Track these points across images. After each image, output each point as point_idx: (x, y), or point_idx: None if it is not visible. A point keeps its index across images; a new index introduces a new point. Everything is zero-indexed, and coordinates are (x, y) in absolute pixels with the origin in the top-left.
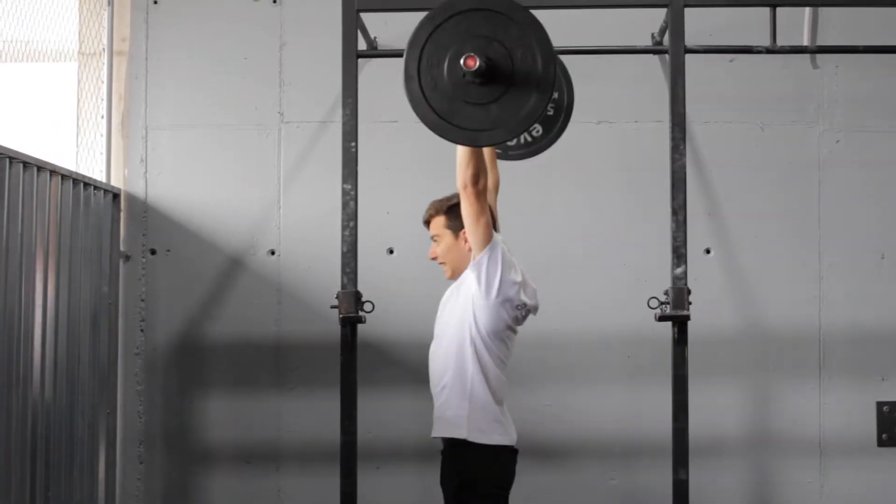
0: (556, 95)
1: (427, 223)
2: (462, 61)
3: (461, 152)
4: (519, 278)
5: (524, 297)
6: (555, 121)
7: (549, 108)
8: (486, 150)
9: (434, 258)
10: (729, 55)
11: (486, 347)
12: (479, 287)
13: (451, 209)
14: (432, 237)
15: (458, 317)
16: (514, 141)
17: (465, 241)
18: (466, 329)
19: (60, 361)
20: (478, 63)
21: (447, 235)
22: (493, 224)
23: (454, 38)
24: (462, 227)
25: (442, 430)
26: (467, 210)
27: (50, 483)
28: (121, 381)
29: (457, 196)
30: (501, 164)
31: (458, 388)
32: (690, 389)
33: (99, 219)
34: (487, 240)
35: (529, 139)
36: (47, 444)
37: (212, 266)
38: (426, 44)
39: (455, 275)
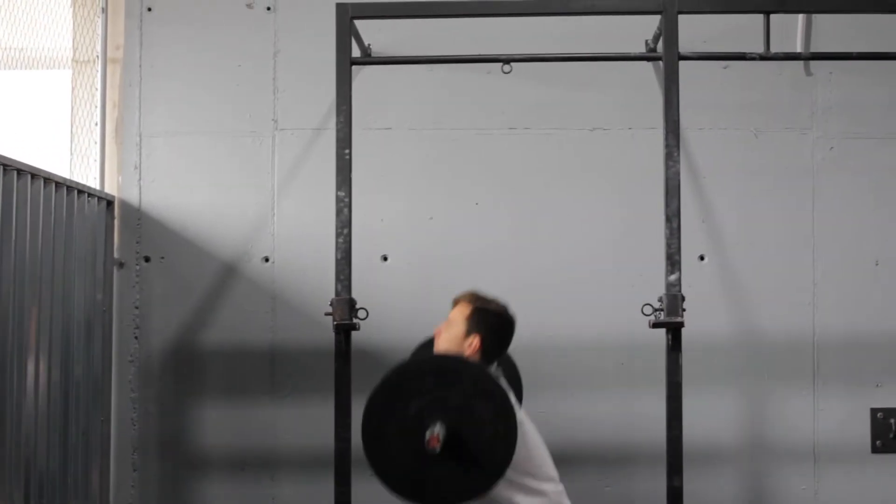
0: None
1: (455, 305)
2: (426, 439)
3: None
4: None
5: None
6: None
7: None
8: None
9: (437, 332)
10: (723, 62)
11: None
12: None
13: (480, 311)
14: (450, 320)
15: None
16: None
17: (469, 347)
18: None
19: (54, 369)
20: (439, 446)
21: (460, 327)
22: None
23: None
24: (474, 333)
25: None
26: None
27: (44, 490)
28: (115, 389)
29: (494, 304)
30: (493, 174)
31: None
32: (684, 396)
33: (93, 226)
34: None
35: None
36: (40, 451)
37: (206, 273)
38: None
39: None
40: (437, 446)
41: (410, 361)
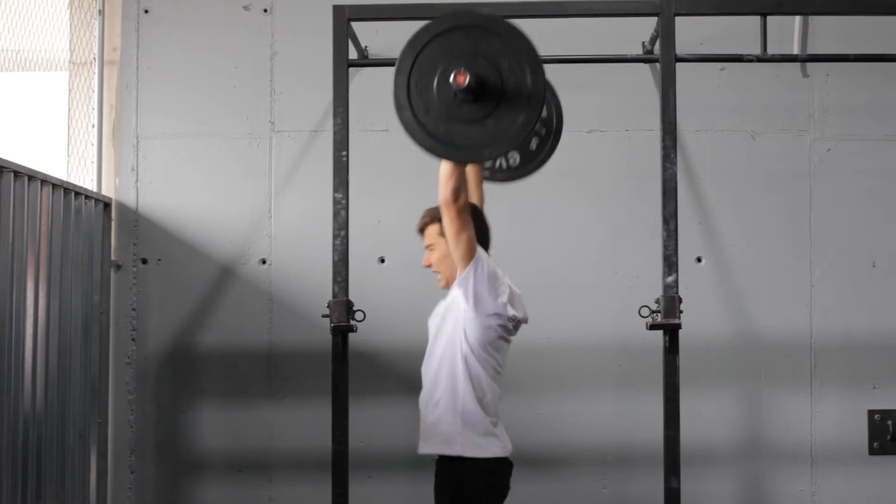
0: (544, 114)
1: (421, 231)
2: (452, 79)
3: (443, 169)
4: (506, 292)
5: (512, 311)
6: (544, 141)
7: (539, 125)
8: (470, 169)
9: (428, 266)
10: (720, 64)
11: (478, 361)
12: (466, 303)
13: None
14: (427, 246)
15: (449, 333)
16: (500, 162)
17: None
18: (458, 345)
19: (51, 370)
20: (468, 79)
21: (441, 244)
22: (485, 240)
23: (439, 60)
24: None
25: (435, 446)
26: (449, 226)
27: (41, 492)
28: (112, 391)
29: None
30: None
31: (450, 404)
32: (682, 398)
33: (90, 228)
34: (471, 256)
35: (513, 163)
36: (38, 453)
37: (203, 275)
38: (412, 69)
39: (449, 283)
40: (465, 82)
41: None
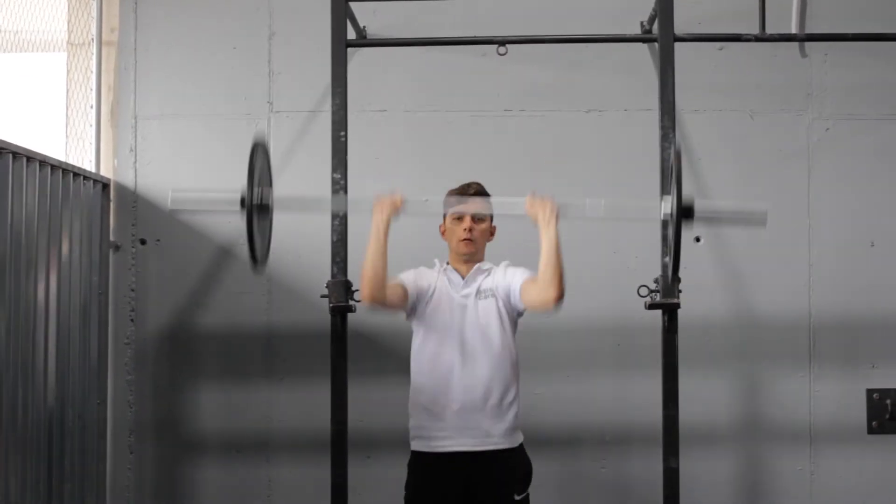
0: None
1: (473, 197)
2: None
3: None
4: None
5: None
6: None
7: None
8: None
9: (469, 232)
10: (718, 43)
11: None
12: (519, 311)
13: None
14: (476, 214)
15: (501, 331)
16: None
17: (490, 234)
18: (511, 342)
19: (51, 351)
20: None
21: (488, 220)
22: None
23: None
24: (491, 222)
25: (513, 439)
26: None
27: (40, 473)
28: (111, 371)
29: None
30: (489, 156)
31: (515, 394)
32: (680, 377)
33: (88, 209)
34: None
35: None
36: (38, 434)
37: (201, 256)
38: None
39: (472, 260)
40: None
41: None
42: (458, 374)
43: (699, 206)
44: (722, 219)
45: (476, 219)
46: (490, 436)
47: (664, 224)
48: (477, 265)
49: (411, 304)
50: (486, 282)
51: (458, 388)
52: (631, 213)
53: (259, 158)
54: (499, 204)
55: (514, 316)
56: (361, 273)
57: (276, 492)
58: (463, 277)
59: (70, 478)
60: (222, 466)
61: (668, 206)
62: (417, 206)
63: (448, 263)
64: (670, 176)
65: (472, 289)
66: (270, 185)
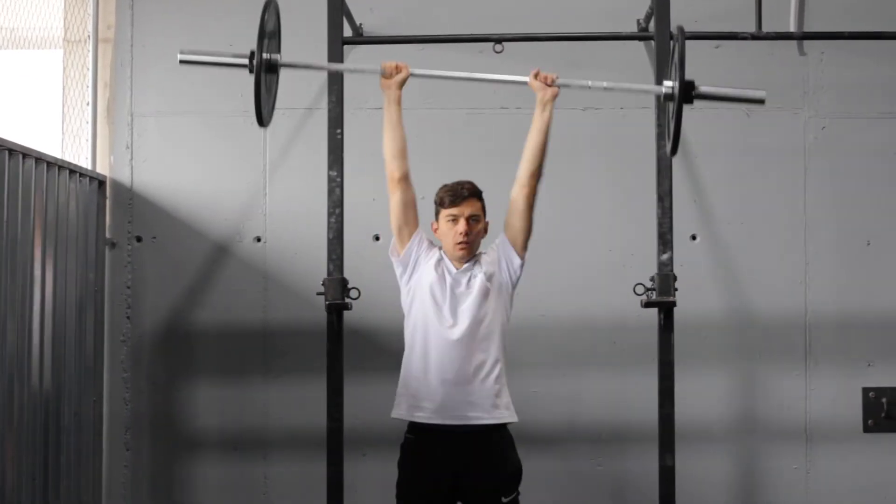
0: None
1: (467, 199)
2: None
3: (539, 151)
4: None
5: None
6: None
7: None
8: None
9: (466, 236)
10: (715, 41)
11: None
12: (511, 278)
13: (482, 195)
14: (471, 216)
15: (493, 306)
16: None
17: (484, 232)
18: (501, 318)
19: (46, 349)
20: None
21: (482, 220)
22: None
23: None
24: (485, 219)
25: (500, 415)
26: (530, 201)
27: (36, 470)
28: (107, 369)
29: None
30: (491, 151)
31: (502, 372)
32: (676, 375)
33: (84, 206)
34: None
35: None
36: (34, 431)
37: (198, 253)
38: None
39: (467, 257)
40: None
41: None
42: (446, 352)
43: (700, 86)
44: (722, 98)
45: (472, 220)
46: (475, 409)
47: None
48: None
49: (411, 244)
50: (477, 267)
51: (447, 365)
52: (633, 89)
53: (270, 18)
54: (504, 79)
55: (511, 283)
56: (384, 147)
57: (272, 489)
58: (457, 269)
59: (66, 475)
60: (219, 463)
61: (669, 84)
62: (423, 74)
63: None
64: (672, 54)
65: (465, 275)
66: (279, 45)
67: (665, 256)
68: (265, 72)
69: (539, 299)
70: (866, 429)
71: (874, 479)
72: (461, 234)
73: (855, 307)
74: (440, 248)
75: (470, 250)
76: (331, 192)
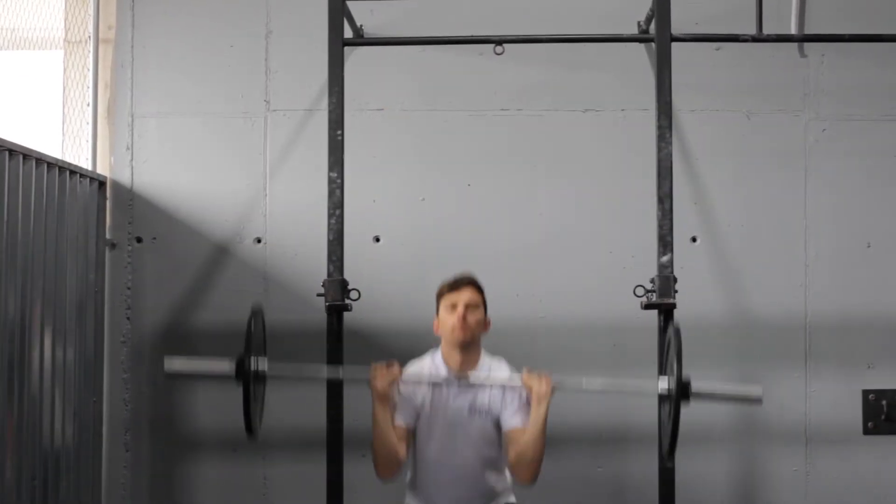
0: None
1: (467, 286)
2: None
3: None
4: None
5: None
6: None
7: None
8: None
9: (464, 323)
10: (715, 43)
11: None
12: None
13: (483, 290)
14: (470, 304)
15: (494, 448)
16: None
17: (486, 325)
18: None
19: (46, 349)
20: None
21: (481, 311)
22: None
23: None
24: (486, 313)
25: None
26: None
27: (36, 471)
28: (107, 369)
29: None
30: (492, 153)
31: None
32: None
33: (85, 207)
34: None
35: None
36: (33, 431)
37: (198, 254)
38: None
39: (467, 351)
40: None
41: None
42: (451, 486)
43: (696, 386)
44: (719, 397)
45: (470, 308)
46: None
47: (661, 399)
48: (472, 367)
49: (402, 407)
50: (482, 397)
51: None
52: (628, 389)
53: (256, 326)
54: (496, 378)
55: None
56: (373, 453)
57: (271, 490)
58: (455, 371)
59: (66, 475)
60: (218, 464)
61: (665, 383)
62: (414, 376)
63: (440, 355)
64: (666, 354)
65: (465, 401)
66: (265, 351)
67: (665, 258)
68: (253, 381)
69: (539, 301)
70: (866, 431)
71: (874, 482)
72: (459, 317)
73: (855, 309)
74: (426, 358)
75: (468, 335)
76: (331, 193)
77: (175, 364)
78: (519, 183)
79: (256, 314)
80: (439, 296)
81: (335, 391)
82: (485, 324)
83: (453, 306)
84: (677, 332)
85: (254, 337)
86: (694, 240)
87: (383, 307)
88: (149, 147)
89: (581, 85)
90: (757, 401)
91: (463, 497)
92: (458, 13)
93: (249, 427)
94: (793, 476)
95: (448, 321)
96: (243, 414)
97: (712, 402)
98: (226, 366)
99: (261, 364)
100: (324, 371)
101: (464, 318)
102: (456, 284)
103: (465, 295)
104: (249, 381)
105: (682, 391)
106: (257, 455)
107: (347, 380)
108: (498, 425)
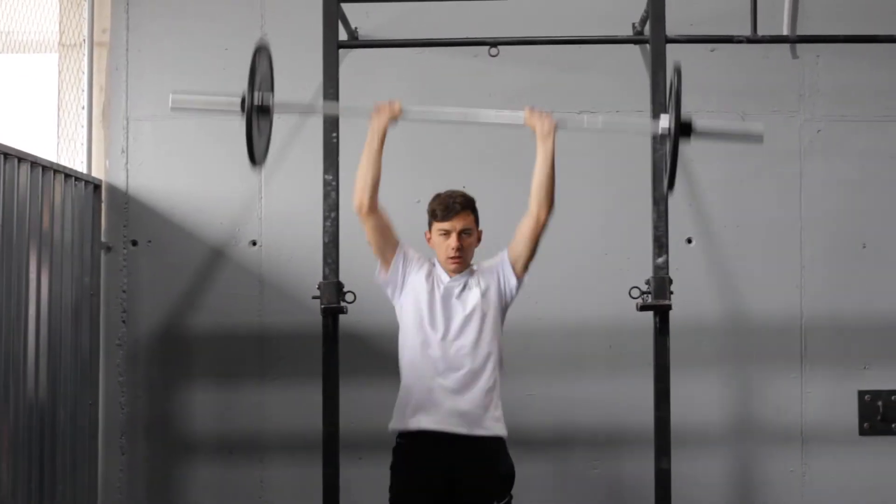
0: None
1: (459, 213)
2: None
3: (549, 189)
4: None
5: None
6: None
7: None
8: None
9: (458, 251)
10: (710, 45)
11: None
12: (509, 297)
13: (475, 206)
14: (463, 230)
15: (493, 321)
16: None
17: (478, 241)
18: (498, 333)
19: (42, 353)
20: None
21: (475, 233)
22: None
23: None
24: (478, 229)
25: (490, 427)
26: (540, 231)
27: (32, 474)
28: (103, 372)
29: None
30: (486, 155)
31: (496, 385)
32: (672, 378)
33: (80, 210)
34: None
35: None
36: (29, 435)
37: (193, 257)
38: None
39: (460, 270)
40: None
41: None
42: (439, 359)
43: (697, 122)
44: (719, 135)
45: (464, 234)
46: (469, 422)
47: (661, 139)
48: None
49: (395, 264)
50: (472, 279)
51: (440, 373)
52: (628, 127)
53: (261, 62)
54: (498, 116)
55: (505, 301)
56: (356, 178)
57: (268, 492)
58: (450, 277)
59: (62, 479)
60: (215, 467)
61: (665, 121)
62: (416, 113)
63: (439, 265)
64: (669, 93)
65: (458, 283)
66: (272, 88)
67: (661, 260)
68: (257, 114)
69: (535, 302)
70: (862, 432)
71: (870, 482)
72: (453, 248)
73: (850, 310)
74: (431, 260)
75: (462, 263)
76: (326, 195)
77: (180, 99)
78: (514, 184)
79: (261, 50)
80: (432, 216)
81: (331, 394)
82: (477, 240)
83: (446, 234)
84: (677, 71)
85: (259, 73)
86: (689, 241)
87: (379, 309)
88: (144, 150)
89: (576, 86)
90: (758, 137)
91: (449, 377)
92: (452, 15)
93: (252, 157)
94: (789, 477)
95: (442, 247)
96: (246, 143)
97: (712, 140)
98: (230, 99)
99: (266, 99)
100: (321, 108)
101: (458, 247)
102: (448, 212)
103: (458, 222)
104: (252, 114)
105: (683, 128)
106: (254, 458)
107: (348, 115)
108: (493, 293)
